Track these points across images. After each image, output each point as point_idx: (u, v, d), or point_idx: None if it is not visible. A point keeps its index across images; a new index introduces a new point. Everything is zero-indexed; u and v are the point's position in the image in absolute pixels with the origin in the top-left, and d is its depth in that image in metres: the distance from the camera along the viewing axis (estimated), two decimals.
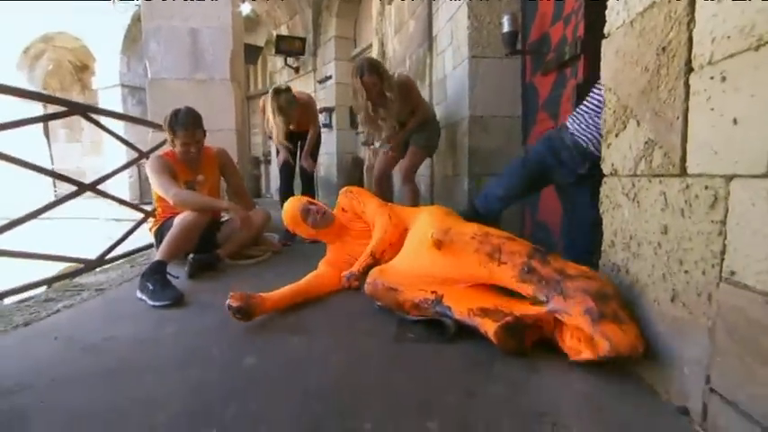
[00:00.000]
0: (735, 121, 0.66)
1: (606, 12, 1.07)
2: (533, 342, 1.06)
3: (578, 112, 1.42)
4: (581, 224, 1.47)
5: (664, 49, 0.83)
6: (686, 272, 0.77)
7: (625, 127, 0.99)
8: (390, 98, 2.40)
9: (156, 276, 1.62)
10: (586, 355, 0.93)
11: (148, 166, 2.01)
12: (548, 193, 2.19)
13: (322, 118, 6.04)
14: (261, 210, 2.40)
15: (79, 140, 9.88)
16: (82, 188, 1.87)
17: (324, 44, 6.00)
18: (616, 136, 1.03)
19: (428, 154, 2.73)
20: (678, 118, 0.79)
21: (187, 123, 2.00)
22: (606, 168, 1.08)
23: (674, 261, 0.81)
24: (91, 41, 7.61)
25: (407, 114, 2.54)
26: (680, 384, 0.76)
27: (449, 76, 2.75)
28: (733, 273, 0.66)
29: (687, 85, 0.77)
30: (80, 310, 1.59)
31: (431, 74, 3.09)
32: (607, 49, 1.06)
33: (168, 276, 1.68)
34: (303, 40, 5.91)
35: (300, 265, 1.90)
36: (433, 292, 1.25)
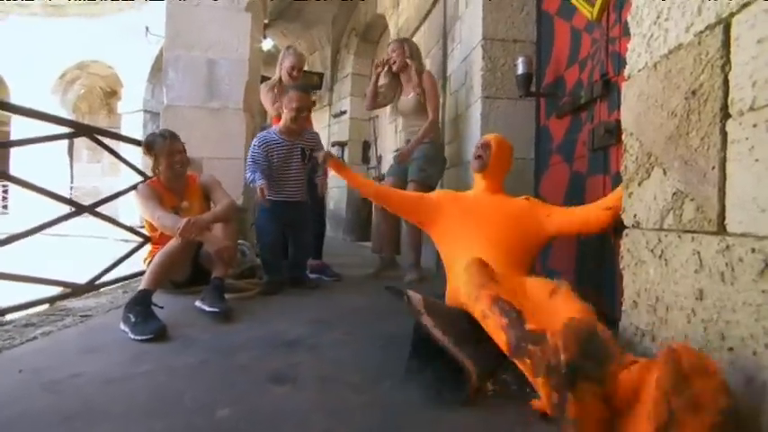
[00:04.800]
0: None
1: (627, 54, 1.01)
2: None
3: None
4: (302, 247, 2.41)
5: (694, 92, 0.76)
6: (730, 349, 0.65)
7: (649, 175, 0.90)
8: (411, 74, 2.56)
9: (138, 308, 1.53)
10: None
11: (136, 194, 1.98)
12: (559, 243, 2.08)
13: (335, 151, 6.10)
14: (226, 202, 2.07)
15: (99, 161, 10.22)
16: (79, 210, 1.83)
17: (341, 80, 6.17)
18: (639, 185, 0.94)
19: (426, 189, 2.65)
20: (713, 168, 0.70)
21: (165, 134, 2.02)
22: (628, 220, 0.99)
23: (714, 334, 0.69)
24: (121, 69, 8.01)
25: (419, 110, 2.56)
26: None
27: (461, 116, 2.73)
28: None
29: (724, 132, 0.69)
30: (56, 339, 1.49)
31: (443, 113, 3.08)
32: (628, 92, 1.00)
33: (153, 307, 1.59)
34: (321, 75, 6.09)
35: (295, 304, 1.80)
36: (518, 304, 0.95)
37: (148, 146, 2.05)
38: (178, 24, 2.92)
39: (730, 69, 0.68)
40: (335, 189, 6.24)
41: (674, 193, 0.81)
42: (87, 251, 6.77)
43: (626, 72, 1.01)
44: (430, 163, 2.52)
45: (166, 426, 0.93)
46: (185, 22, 2.92)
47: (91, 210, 1.94)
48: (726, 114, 0.69)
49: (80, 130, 1.90)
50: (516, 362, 0.84)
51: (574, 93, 1.95)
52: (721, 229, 0.69)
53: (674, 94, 0.82)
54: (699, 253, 0.73)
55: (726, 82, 0.69)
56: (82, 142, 10.54)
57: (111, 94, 9.74)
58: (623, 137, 1.01)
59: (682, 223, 0.78)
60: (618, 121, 1.67)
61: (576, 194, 1.93)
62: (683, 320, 0.77)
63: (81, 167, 10.27)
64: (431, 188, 2.55)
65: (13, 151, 7.80)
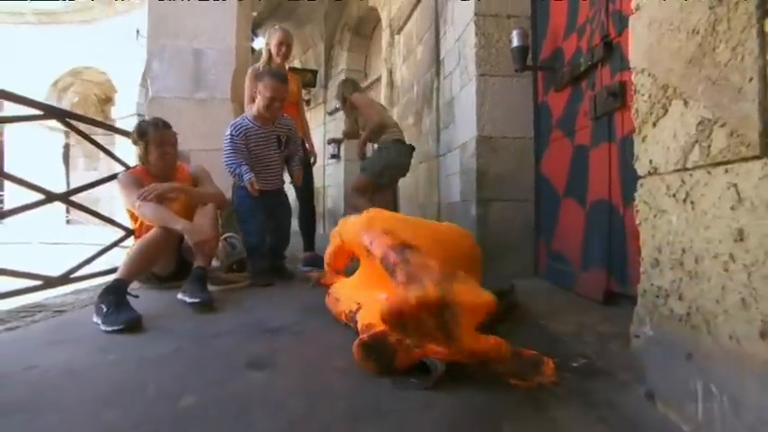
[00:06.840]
0: None
1: None
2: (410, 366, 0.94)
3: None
4: (282, 235, 2.38)
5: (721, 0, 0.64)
6: None
7: (666, 111, 0.78)
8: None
9: (110, 297, 1.41)
10: None
11: (118, 182, 1.89)
12: (564, 222, 1.96)
13: (330, 149, 5.99)
14: (215, 190, 2.07)
15: (96, 169, 10.15)
16: (49, 198, 1.71)
17: (335, 77, 6.08)
18: (654, 125, 0.82)
19: (370, 178, 2.75)
20: (751, 80, 0.59)
21: (158, 123, 1.96)
22: (642, 168, 0.87)
23: (760, 279, 0.57)
24: (114, 74, 7.96)
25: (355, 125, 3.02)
26: None
27: (456, 98, 2.62)
28: None
29: (762, 34, 0.57)
30: (21, 334, 1.38)
31: (438, 97, 2.97)
32: (636, 25, 0.88)
33: (128, 297, 1.47)
34: (315, 72, 6.00)
35: (283, 293, 1.69)
36: (357, 303, 1.15)
37: (140, 133, 1.94)
38: (161, 13, 2.83)
39: None
40: (332, 187, 6.13)
41: (698, 123, 0.69)
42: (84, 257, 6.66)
43: (633, 5, 0.90)
44: (369, 162, 2.86)
45: (119, 416, 0.81)
46: (168, 11, 2.83)
47: (65, 198, 1.82)
48: (764, 12, 0.57)
49: (50, 112, 1.78)
50: None
51: (573, 62, 1.83)
52: (764, 151, 0.57)
53: (695, 9, 0.70)
54: (735, 186, 0.61)
55: None
56: (78, 150, 10.49)
57: (106, 100, 9.69)
58: (632, 77, 0.90)
59: (711, 156, 0.67)
60: (622, 82, 1.57)
61: (579, 169, 1.81)
62: (719, 269, 0.65)
63: (78, 176, 10.18)
64: (374, 176, 2.75)
65: (7, 160, 7.74)
